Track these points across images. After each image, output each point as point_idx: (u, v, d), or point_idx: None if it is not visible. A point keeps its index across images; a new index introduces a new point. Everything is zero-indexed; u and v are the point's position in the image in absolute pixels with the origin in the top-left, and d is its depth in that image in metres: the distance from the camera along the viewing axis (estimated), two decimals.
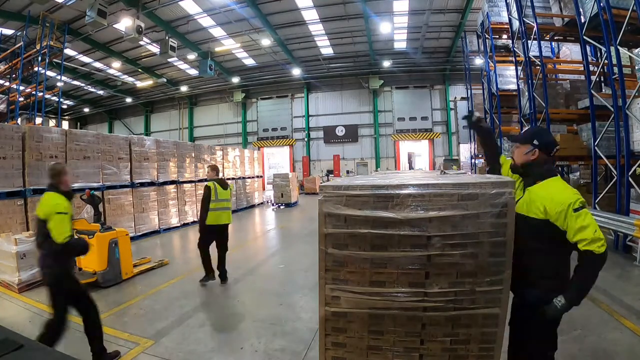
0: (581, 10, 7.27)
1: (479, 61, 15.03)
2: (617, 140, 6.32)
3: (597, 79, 8.07)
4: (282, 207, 15.07)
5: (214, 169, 5.42)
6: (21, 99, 13.99)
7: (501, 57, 12.91)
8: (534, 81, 9.30)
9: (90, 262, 4.91)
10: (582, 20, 7.23)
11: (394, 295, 2.14)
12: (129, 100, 26.50)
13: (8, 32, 15.12)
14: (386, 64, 20.61)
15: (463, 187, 2.05)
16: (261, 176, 20.16)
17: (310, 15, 16.12)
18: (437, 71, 22.22)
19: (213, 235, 5.07)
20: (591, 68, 7.71)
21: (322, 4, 15.23)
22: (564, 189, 1.91)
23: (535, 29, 8.83)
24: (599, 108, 7.18)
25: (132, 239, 7.14)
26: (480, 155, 15.14)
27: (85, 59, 19.23)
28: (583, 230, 1.75)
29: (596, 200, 7.06)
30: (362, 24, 16.52)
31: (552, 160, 2.11)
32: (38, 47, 13.30)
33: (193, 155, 12.19)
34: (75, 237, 3.06)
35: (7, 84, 14.97)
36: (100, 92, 25.50)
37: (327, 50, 20.15)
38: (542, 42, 9.22)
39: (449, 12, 15.53)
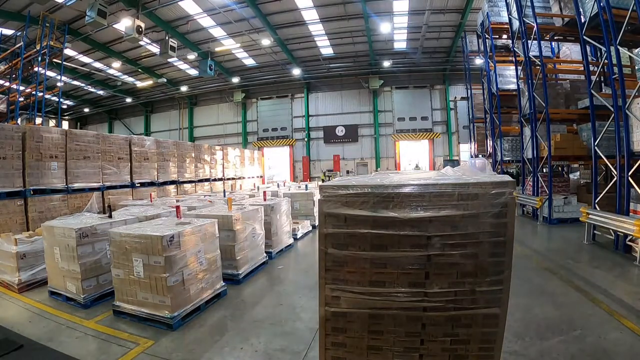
0: (581, 10, 7.26)
1: (479, 61, 15.03)
2: (617, 140, 6.31)
3: (597, 79, 8.07)
4: None
5: None
6: (21, 99, 13.96)
7: (501, 57, 12.91)
8: (534, 81, 9.30)
9: None
10: (582, 20, 7.23)
11: (394, 295, 2.14)
12: (129, 100, 26.48)
13: (8, 32, 15.09)
14: (386, 64, 20.60)
15: (463, 187, 2.05)
16: (261, 176, 20.21)
17: (310, 15, 16.11)
18: (437, 71, 22.21)
19: None
20: (591, 68, 7.71)
21: (322, 4, 15.21)
22: None
23: (535, 29, 8.83)
24: (599, 108, 7.18)
25: None
26: (480, 155, 15.15)
27: (85, 59, 19.21)
28: None
29: (596, 200, 7.05)
30: (362, 24, 16.50)
31: None
32: (38, 47, 13.27)
33: (193, 155, 12.19)
34: None
35: (7, 84, 14.95)
36: (100, 92, 25.48)
37: (327, 50, 20.13)
38: (542, 42, 9.22)
39: (449, 12, 15.51)
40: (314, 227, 8.94)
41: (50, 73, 15.80)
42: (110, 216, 5.04)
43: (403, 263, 2.11)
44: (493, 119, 12.72)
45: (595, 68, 8.34)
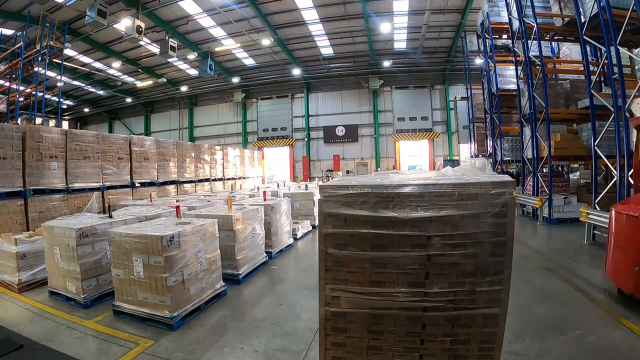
0: (581, 10, 7.26)
1: (479, 61, 15.02)
2: (617, 140, 6.32)
3: (597, 79, 8.07)
4: None
5: None
6: (21, 99, 13.96)
7: (501, 57, 12.91)
8: (534, 81, 9.30)
9: None
10: (582, 20, 7.23)
11: (394, 295, 2.14)
12: (129, 100, 26.48)
13: (8, 32, 15.09)
14: (386, 64, 20.60)
15: (463, 187, 2.05)
16: (262, 176, 20.21)
17: (310, 15, 16.11)
18: (437, 71, 22.21)
19: None
20: (591, 68, 7.71)
21: (322, 4, 15.21)
22: None
23: (535, 28, 8.83)
24: (599, 108, 7.19)
25: None
26: (480, 155, 15.14)
27: (85, 59, 19.21)
28: None
29: (596, 200, 7.05)
30: (362, 24, 16.50)
31: None
32: (38, 47, 13.26)
33: (193, 155, 12.18)
34: None
35: (7, 84, 14.95)
36: (100, 92, 25.48)
37: (327, 50, 20.13)
38: (542, 42, 9.22)
39: (449, 12, 15.51)
40: (314, 227, 8.94)
41: (50, 73, 15.79)
42: (110, 216, 5.04)
43: (403, 263, 2.11)
44: (493, 119, 12.72)
45: (595, 68, 8.34)
